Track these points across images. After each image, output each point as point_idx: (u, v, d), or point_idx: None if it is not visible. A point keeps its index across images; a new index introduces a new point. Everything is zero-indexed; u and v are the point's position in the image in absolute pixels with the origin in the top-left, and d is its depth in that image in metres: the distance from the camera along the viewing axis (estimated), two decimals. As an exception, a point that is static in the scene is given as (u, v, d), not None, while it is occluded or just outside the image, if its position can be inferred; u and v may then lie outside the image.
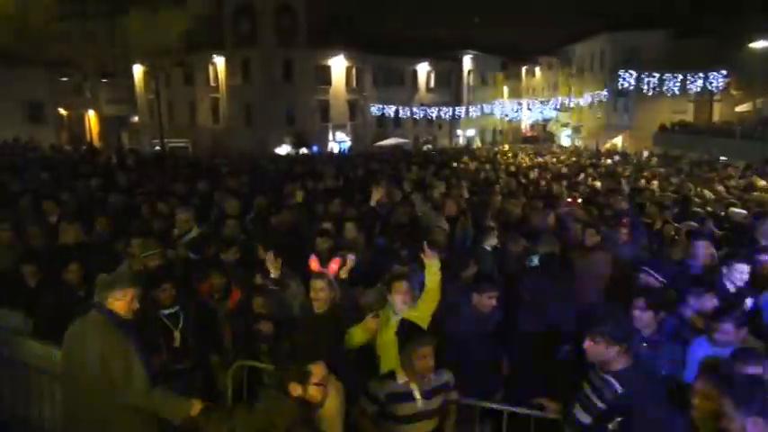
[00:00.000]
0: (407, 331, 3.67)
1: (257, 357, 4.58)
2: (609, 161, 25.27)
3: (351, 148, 40.51)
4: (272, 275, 4.93)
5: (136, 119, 49.94)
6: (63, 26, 47.44)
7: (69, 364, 3.65)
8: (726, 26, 32.59)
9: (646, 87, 33.80)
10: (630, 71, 34.61)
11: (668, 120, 37.07)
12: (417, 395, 3.54)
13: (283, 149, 37.79)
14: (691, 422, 2.99)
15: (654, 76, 33.25)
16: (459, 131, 54.08)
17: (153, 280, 4.49)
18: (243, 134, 39.24)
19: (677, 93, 33.44)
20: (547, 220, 8.07)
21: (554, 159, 26.40)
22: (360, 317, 4.42)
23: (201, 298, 5.23)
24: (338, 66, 44.18)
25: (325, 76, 43.77)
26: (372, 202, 8.16)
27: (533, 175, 16.82)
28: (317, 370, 3.09)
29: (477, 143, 52.61)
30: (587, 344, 3.32)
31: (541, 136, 59.99)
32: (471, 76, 54.48)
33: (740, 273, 5.16)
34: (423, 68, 50.96)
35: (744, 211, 9.33)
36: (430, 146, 45.10)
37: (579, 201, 10.64)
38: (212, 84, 43.06)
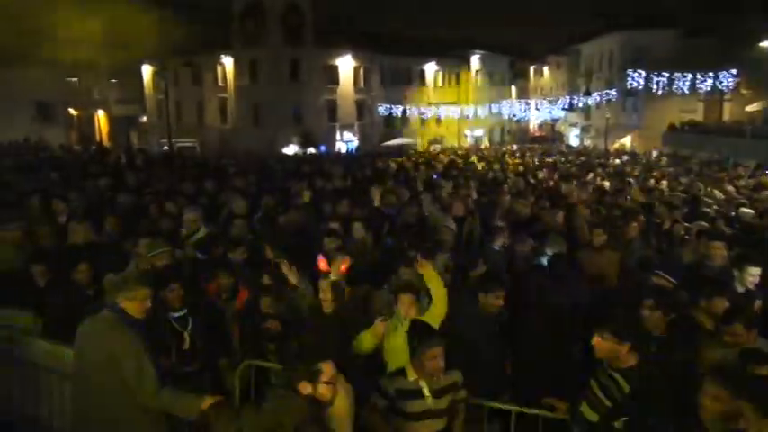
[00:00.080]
0: (418, 331, 3.68)
1: (265, 357, 4.58)
2: (617, 161, 25.15)
3: (358, 148, 40.53)
4: (293, 283, 4.89)
5: (144, 119, 50.21)
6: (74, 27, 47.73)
7: (81, 363, 3.66)
8: (736, 25, 32.35)
9: (655, 87, 33.56)
10: (639, 71, 34.38)
11: (678, 119, 36.85)
12: (427, 392, 3.55)
13: (291, 149, 37.85)
14: (699, 423, 2.97)
15: (663, 76, 33.01)
16: (466, 131, 53.97)
17: (161, 280, 4.50)
18: (250, 134, 39.33)
19: (687, 92, 33.18)
20: (555, 220, 8.05)
21: (562, 159, 26.30)
22: (368, 321, 4.41)
23: (209, 298, 5.23)
24: (346, 65, 44.20)
25: (332, 75, 43.79)
26: (376, 203, 8.16)
27: (542, 174, 16.77)
28: (327, 368, 3.10)
29: (485, 143, 52.49)
30: (595, 340, 3.32)
31: (550, 136, 59.82)
32: (479, 75, 54.35)
33: (752, 276, 5.12)
34: (430, 68, 50.89)
35: (752, 211, 9.26)
36: (438, 146, 45.02)
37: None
38: (220, 84, 43.21)
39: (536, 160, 25.60)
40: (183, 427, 3.80)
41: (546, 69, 67.21)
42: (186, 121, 45.26)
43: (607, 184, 14.34)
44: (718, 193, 12.11)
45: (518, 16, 60.97)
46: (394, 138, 45.03)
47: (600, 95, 38.48)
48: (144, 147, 34.67)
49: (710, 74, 31.55)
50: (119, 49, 33.09)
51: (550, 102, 46.72)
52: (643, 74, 34.11)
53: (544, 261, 6.12)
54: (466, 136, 53.89)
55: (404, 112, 45.14)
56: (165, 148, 31.05)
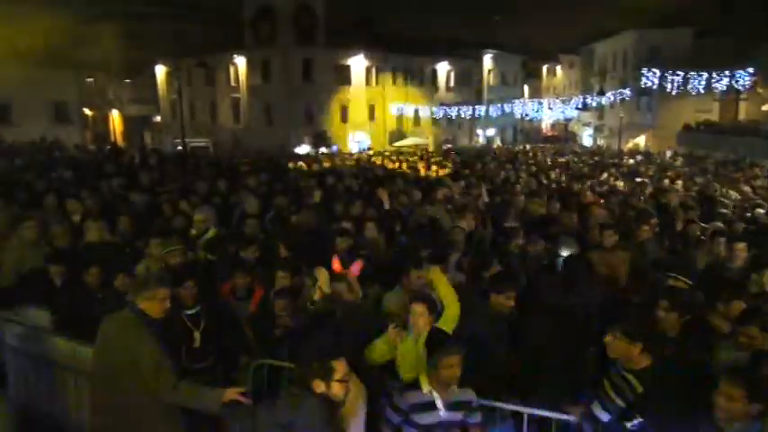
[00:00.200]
0: (436, 339, 3.67)
1: (278, 356, 4.59)
2: (631, 161, 24.97)
3: (370, 148, 40.54)
4: (324, 290, 4.90)
5: (158, 119, 50.61)
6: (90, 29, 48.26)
7: (100, 362, 3.70)
8: (752, 24, 31.98)
9: (669, 86, 33.24)
10: (654, 70, 34.08)
11: (693, 119, 36.53)
12: (440, 405, 3.53)
13: (303, 149, 37.95)
14: (713, 423, 2.95)
15: (678, 75, 32.68)
16: (479, 131, 53.81)
17: (176, 278, 4.53)
18: (263, 134, 39.50)
19: (702, 91, 32.83)
20: (570, 221, 8.00)
21: (575, 159, 26.16)
22: (381, 327, 4.38)
23: (222, 298, 5.25)
24: (358, 65, 44.23)
25: (344, 75, 43.84)
26: (386, 206, 8.15)
27: (554, 174, 16.70)
28: (340, 366, 3.11)
29: (497, 143, 52.31)
30: (608, 339, 3.31)
31: (563, 135, 59.53)
32: (491, 75, 54.17)
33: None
34: (442, 68, 50.79)
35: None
36: (449, 145, 44.93)
37: (602, 201, 10.52)
38: (233, 84, 43.42)
39: (548, 160, 25.48)
40: (201, 425, 3.82)
41: (559, 68, 66.91)
42: (199, 120, 45.57)
43: (620, 183, 14.25)
44: (734, 194, 11.99)
45: (531, 15, 60.52)
46: (406, 137, 44.98)
47: (614, 95, 38.20)
48: (158, 146, 34.93)
49: (726, 73, 31.19)
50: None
51: (563, 101, 46.45)
52: (658, 73, 33.80)
53: (559, 262, 6.09)
54: (478, 135, 53.73)
55: (416, 111, 45.06)
56: (179, 147, 31.26)
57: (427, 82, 50.13)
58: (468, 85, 52.60)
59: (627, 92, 37.65)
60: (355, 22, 47.69)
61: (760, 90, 33.87)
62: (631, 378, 3.26)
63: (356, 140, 43.83)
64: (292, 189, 10.66)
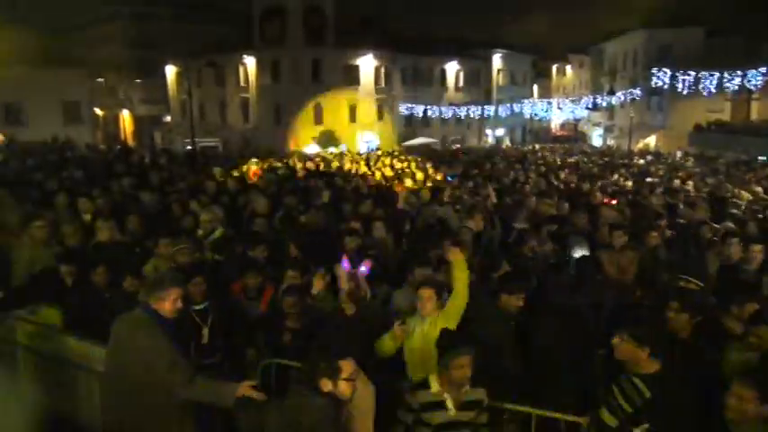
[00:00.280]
0: (447, 339, 3.68)
1: (287, 356, 4.60)
2: (642, 161, 24.83)
3: (379, 148, 40.55)
4: (314, 292, 4.92)
5: (168, 119, 50.89)
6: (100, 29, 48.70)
7: (114, 361, 3.72)
8: (763, 23, 31.69)
9: (680, 86, 33.00)
10: (665, 69, 33.84)
11: (704, 119, 36.26)
12: (450, 404, 3.55)
13: (312, 148, 38.02)
14: (723, 424, 2.92)
15: (689, 75, 32.43)
16: (488, 131, 53.68)
17: (185, 274, 4.54)
18: (272, 133, 39.62)
19: (713, 91, 32.56)
20: (580, 221, 7.95)
21: (585, 159, 26.05)
22: (387, 324, 4.41)
23: (231, 297, 5.27)
24: (367, 65, 44.24)
25: (353, 75, 43.88)
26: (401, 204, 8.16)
27: (564, 175, 16.63)
28: (347, 365, 3.11)
29: (507, 143, 52.16)
30: (615, 341, 3.28)
31: (572, 135, 59.30)
32: (501, 74, 54.03)
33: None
34: (451, 67, 50.71)
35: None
36: (458, 145, 44.86)
37: (614, 201, 10.46)
38: (242, 84, 43.56)
39: (558, 160, 25.38)
40: (212, 425, 3.83)
41: (569, 68, 66.63)
42: (209, 120, 45.76)
43: (629, 184, 14.18)
44: (745, 194, 11.88)
45: (540, 15, 60.36)
46: (415, 137, 44.94)
47: (624, 94, 37.98)
48: (167, 146, 35.13)
49: (738, 72, 30.91)
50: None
51: (573, 101, 46.25)
52: (668, 73, 33.57)
53: (572, 262, 6.07)
54: (487, 136, 53.61)
55: (424, 111, 45.04)
56: (188, 147, 31.44)
57: (436, 82, 50.07)
58: (478, 85, 52.48)
59: (637, 92, 37.42)
60: (364, 22, 47.71)
61: (772, 90, 33.55)
62: (639, 383, 3.22)
63: (365, 140, 43.85)
64: (301, 189, 10.68)
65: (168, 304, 3.66)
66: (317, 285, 4.89)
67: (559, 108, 46.66)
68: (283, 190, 10.46)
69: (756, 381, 2.85)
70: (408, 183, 11.48)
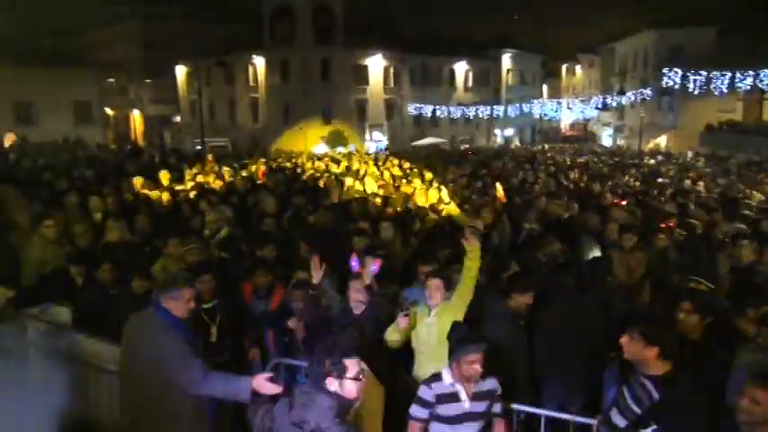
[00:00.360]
0: (459, 335, 3.68)
1: (295, 355, 4.61)
2: (652, 161, 24.68)
3: (387, 147, 40.55)
4: (314, 280, 4.93)
5: (178, 118, 51.15)
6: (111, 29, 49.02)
7: (127, 361, 3.74)
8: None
9: (692, 86, 32.74)
10: (676, 69, 33.59)
11: (715, 119, 35.99)
12: (464, 396, 3.57)
13: (320, 148, 38.08)
14: (735, 426, 2.90)
15: (700, 75, 32.17)
16: (497, 131, 53.56)
17: (193, 272, 4.55)
18: (281, 133, 39.72)
19: (725, 91, 32.28)
20: (591, 222, 7.91)
21: (595, 159, 25.93)
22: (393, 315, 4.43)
23: (240, 295, 5.28)
24: (376, 65, 44.27)
25: (362, 75, 43.90)
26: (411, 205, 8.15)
27: (573, 175, 16.56)
28: (353, 364, 3.11)
29: (516, 143, 52.00)
30: (624, 339, 3.26)
31: (582, 135, 59.05)
32: (510, 74, 53.87)
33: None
34: (460, 67, 50.62)
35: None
36: (467, 145, 44.78)
37: (624, 202, 10.40)
38: (252, 83, 43.72)
39: (567, 160, 25.28)
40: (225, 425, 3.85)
41: (578, 68, 66.34)
42: (218, 120, 45.97)
43: (638, 184, 14.09)
44: (757, 195, 11.78)
45: (550, 14, 60.13)
46: (424, 137, 44.91)
47: (634, 94, 37.74)
48: (177, 146, 35.30)
49: (750, 72, 30.62)
50: None
51: (582, 101, 46.03)
52: (679, 72, 33.32)
53: (583, 263, 6.04)
54: (495, 136, 53.47)
55: (433, 111, 45.00)
56: (198, 147, 31.59)
57: (445, 82, 50.00)
58: (487, 85, 52.35)
59: (648, 91, 37.18)
60: (373, 21, 47.74)
61: (785, 89, 33.21)
62: (648, 383, 3.20)
63: (374, 140, 43.88)
64: (310, 188, 10.70)
65: (181, 304, 3.67)
66: (314, 270, 4.85)
67: (569, 108, 46.44)
68: (292, 190, 10.48)
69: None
70: (417, 183, 11.45)
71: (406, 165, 16.84)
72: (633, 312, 3.63)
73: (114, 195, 8.87)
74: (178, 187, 10.37)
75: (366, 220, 7.34)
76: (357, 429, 3.29)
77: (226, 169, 13.26)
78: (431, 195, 9.29)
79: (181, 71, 48.64)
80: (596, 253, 6.31)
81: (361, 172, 13.11)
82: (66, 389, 4.96)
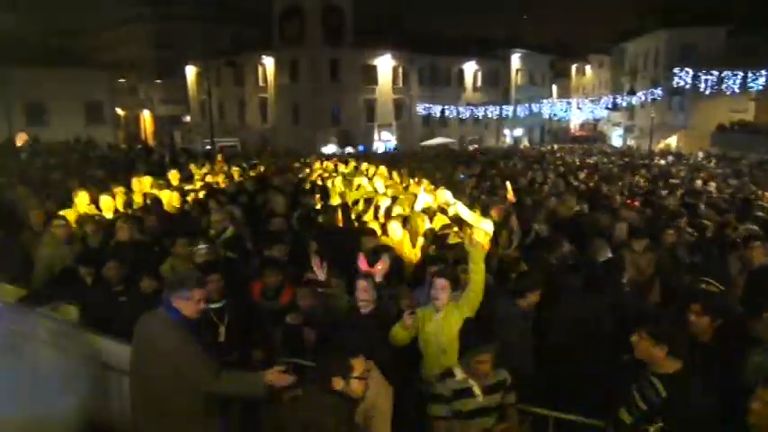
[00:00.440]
0: (470, 332, 3.71)
1: (304, 356, 4.61)
2: (662, 162, 24.53)
3: (396, 148, 40.56)
4: (319, 278, 4.94)
5: (188, 118, 51.42)
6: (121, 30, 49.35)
7: (138, 361, 3.75)
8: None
9: (703, 85, 32.49)
10: (687, 69, 33.35)
11: (727, 119, 35.69)
12: (477, 391, 3.60)
13: (329, 148, 38.15)
14: (745, 428, 2.87)
15: (712, 74, 31.92)
16: (506, 131, 53.42)
17: (203, 273, 4.57)
18: (290, 133, 39.85)
19: (737, 91, 32.00)
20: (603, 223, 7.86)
21: (604, 160, 25.79)
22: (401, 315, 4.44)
23: (248, 295, 5.29)
24: (385, 65, 44.29)
25: (371, 75, 43.93)
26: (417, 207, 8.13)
27: (582, 175, 16.49)
28: (358, 364, 3.12)
29: (525, 143, 51.84)
30: (634, 339, 3.27)
31: (592, 135, 58.79)
32: (519, 74, 53.73)
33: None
34: (470, 67, 50.54)
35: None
36: (476, 146, 44.70)
37: (636, 203, 10.33)
38: (261, 83, 43.89)
39: (577, 160, 25.17)
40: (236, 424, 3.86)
41: (588, 68, 66.05)
42: (228, 120, 46.19)
43: (644, 184, 14.00)
44: (769, 196, 11.68)
45: (560, 14, 59.90)
46: (432, 137, 44.89)
47: (644, 94, 37.52)
48: (187, 146, 35.47)
49: (763, 72, 30.35)
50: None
51: (592, 101, 45.81)
52: (690, 72, 33.08)
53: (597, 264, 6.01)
54: (505, 136, 53.33)
55: (442, 111, 44.96)
56: (207, 147, 31.72)
57: (454, 82, 49.94)
58: (496, 85, 52.24)
59: (658, 91, 36.95)
60: (382, 21, 47.77)
61: (798, 89, 32.89)
62: (657, 382, 3.20)
63: (383, 140, 43.91)
64: (319, 188, 10.71)
65: (191, 304, 3.68)
66: (317, 270, 4.86)
67: (579, 108, 46.25)
68: (300, 189, 10.51)
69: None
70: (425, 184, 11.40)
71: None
72: (642, 312, 3.61)
73: (125, 195, 8.93)
74: (187, 187, 10.42)
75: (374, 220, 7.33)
76: (366, 430, 3.30)
77: (235, 169, 13.32)
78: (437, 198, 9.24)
79: (191, 71, 48.92)
80: (608, 254, 6.27)
81: (371, 172, 13.09)
82: (78, 388, 4.99)
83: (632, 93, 38.58)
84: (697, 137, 36.62)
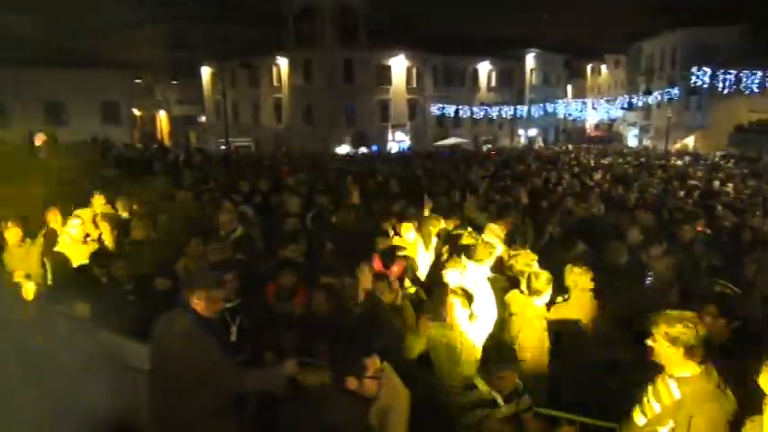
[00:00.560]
0: (496, 352, 3.78)
1: (317, 357, 4.62)
2: (679, 162, 24.26)
3: (410, 148, 40.54)
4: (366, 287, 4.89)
5: (203, 119, 51.78)
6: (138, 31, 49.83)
7: (157, 361, 3.78)
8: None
9: (721, 85, 32.08)
10: (705, 68, 32.94)
11: (746, 119, 35.21)
12: (501, 401, 3.66)
13: (343, 149, 38.23)
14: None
15: (730, 73, 31.50)
16: (520, 131, 53.16)
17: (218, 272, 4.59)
18: (304, 133, 39.98)
19: (756, 90, 31.53)
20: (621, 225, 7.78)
21: (620, 160, 25.56)
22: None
23: (261, 296, 5.29)
24: (398, 65, 44.28)
25: (385, 75, 43.95)
26: (426, 213, 8.10)
27: (597, 176, 16.35)
28: (372, 363, 3.12)
29: (539, 143, 51.55)
30: (650, 341, 3.23)
31: (607, 136, 58.30)
32: (534, 74, 53.44)
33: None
34: (484, 67, 50.37)
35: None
36: (490, 146, 44.53)
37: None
38: (275, 84, 44.08)
39: (592, 161, 24.97)
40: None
41: (604, 68, 65.53)
42: (242, 120, 46.45)
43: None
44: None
45: (576, 14, 59.49)
46: (446, 137, 44.79)
47: (661, 94, 37.12)
48: (202, 146, 35.73)
49: (783, 71, 29.92)
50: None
51: (608, 101, 45.43)
52: (708, 71, 32.67)
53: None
54: (519, 136, 53.07)
55: (456, 111, 44.84)
56: (222, 147, 31.95)
57: (468, 82, 49.80)
58: (510, 85, 52.02)
59: (675, 91, 36.55)
60: (396, 21, 47.77)
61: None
62: (671, 383, 3.18)
63: (396, 140, 43.90)
64: (332, 188, 10.73)
65: (210, 305, 3.69)
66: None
67: (594, 108, 45.89)
68: (314, 189, 10.53)
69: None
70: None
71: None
72: (659, 314, 3.57)
73: (141, 194, 9.01)
74: (202, 187, 10.49)
75: (389, 221, 7.31)
76: (384, 429, 3.30)
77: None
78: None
79: (206, 72, 49.26)
80: (625, 257, 6.20)
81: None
82: (96, 387, 5.05)
83: (648, 92, 38.20)
84: (715, 137, 36.18)
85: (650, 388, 3.33)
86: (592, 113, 50.17)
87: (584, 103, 46.67)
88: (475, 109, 45.46)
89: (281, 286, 5.18)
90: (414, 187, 11.20)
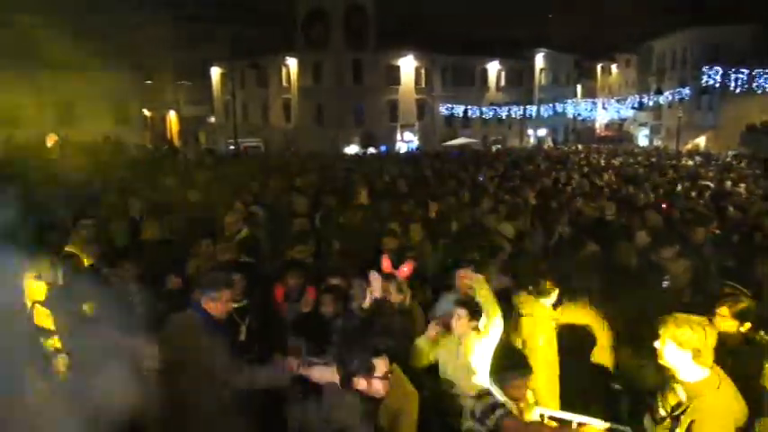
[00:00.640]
0: (508, 358, 3.82)
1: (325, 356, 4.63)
2: (690, 162, 24.08)
3: (419, 148, 40.52)
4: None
5: (213, 119, 52.00)
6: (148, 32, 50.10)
7: (167, 360, 3.80)
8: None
9: (733, 84, 31.80)
10: (716, 67, 32.67)
11: (757, 119, 34.88)
12: (516, 410, 3.65)
13: (352, 149, 38.27)
14: None
15: (742, 73, 31.22)
16: (529, 131, 52.97)
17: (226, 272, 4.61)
18: (313, 134, 40.07)
19: (768, 90, 31.27)
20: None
21: (630, 160, 25.40)
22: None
23: (269, 296, 5.31)
24: (407, 66, 44.27)
25: (394, 76, 43.98)
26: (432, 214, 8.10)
27: (607, 176, 16.27)
28: (381, 363, 3.12)
29: (549, 143, 51.35)
30: (657, 344, 3.20)
31: (617, 136, 57.97)
32: (543, 74, 53.23)
33: None
34: (493, 67, 50.25)
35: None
36: (499, 146, 44.41)
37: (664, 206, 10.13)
38: (284, 85, 44.22)
39: (602, 161, 24.82)
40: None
41: (614, 67, 65.19)
42: (252, 121, 46.61)
43: (679, 186, 13.75)
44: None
45: (586, 13, 59.18)
46: (455, 137, 44.72)
47: (672, 94, 36.86)
48: (211, 146, 35.88)
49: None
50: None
51: (618, 101, 45.18)
52: (720, 71, 32.41)
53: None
54: (528, 136, 52.89)
55: (465, 111, 44.76)
56: (231, 147, 32.05)
57: (477, 82, 49.69)
58: (519, 85, 51.86)
59: (686, 91, 36.28)
60: (405, 22, 47.73)
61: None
62: (679, 388, 3.15)
63: (405, 141, 43.89)
64: (340, 189, 10.75)
65: (220, 305, 3.74)
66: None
67: (604, 108, 45.65)
68: (323, 190, 10.55)
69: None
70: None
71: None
72: (667, 316, 3.54)
73: (151, 194, 9.07)
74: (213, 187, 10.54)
75: (397, 222, 7.31)
76: (393, 429, 3.30)
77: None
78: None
79: (216, 73, 49.49)
80: (634, 258, 6.16)
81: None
82: (106, 386, 5.08)
83: (659, 92, 37.92)
84: (726, 137, 35.88)
85: (659, 394, 3.31)
86: (602, 113, 49.91)
87: (594, 103, 46.43)
88: (484, 109, 45.36)
89: (290, 288, 5.19)
90: (422, 187, 11.20)
